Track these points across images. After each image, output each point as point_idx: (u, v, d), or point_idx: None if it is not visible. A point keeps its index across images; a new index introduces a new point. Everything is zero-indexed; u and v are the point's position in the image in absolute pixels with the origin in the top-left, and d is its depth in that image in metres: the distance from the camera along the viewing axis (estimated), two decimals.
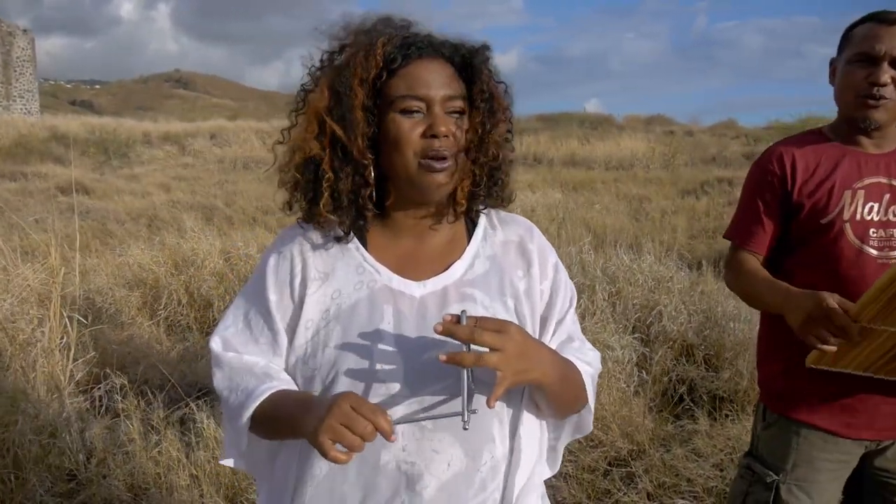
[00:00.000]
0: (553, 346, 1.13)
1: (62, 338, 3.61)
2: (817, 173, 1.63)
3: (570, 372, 1.10)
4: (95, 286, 4.94)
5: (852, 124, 1.63)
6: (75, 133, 19.16)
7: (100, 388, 3.47)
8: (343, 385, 1.03)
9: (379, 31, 1.08)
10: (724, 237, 1.80)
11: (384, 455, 1.03)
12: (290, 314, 1.10)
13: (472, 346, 0.95)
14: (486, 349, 0.94)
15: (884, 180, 1.61)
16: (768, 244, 1.68)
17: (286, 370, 1.11)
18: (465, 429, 0.93)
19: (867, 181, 1.61)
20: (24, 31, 30.12)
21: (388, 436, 0.91)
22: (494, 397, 0.93)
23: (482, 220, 1.18)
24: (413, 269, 1.11)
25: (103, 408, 3.38)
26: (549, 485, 1.33)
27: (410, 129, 1.04)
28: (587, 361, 1.16)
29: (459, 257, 1.14)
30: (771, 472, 1.68)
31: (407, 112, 1.05)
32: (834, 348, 1.45)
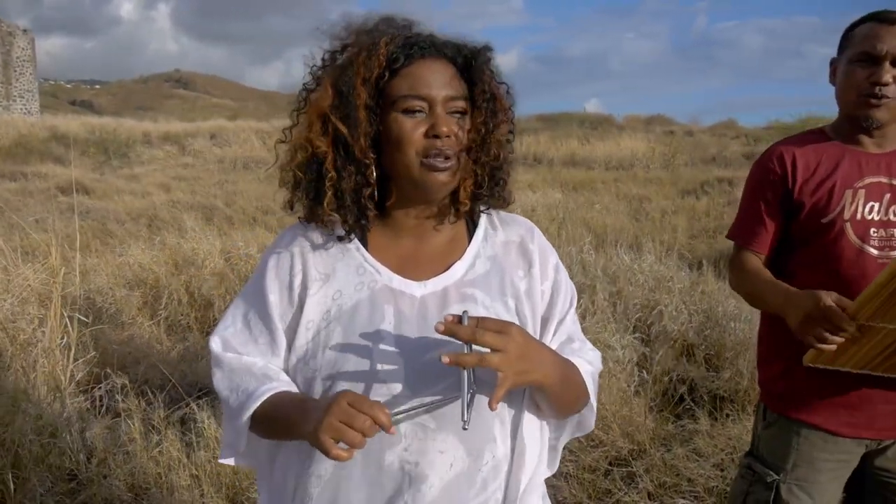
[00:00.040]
0: (554, 346, 1.13)
1: (63, 338, 3.62)
2: (818, 173, 1.63)
3: (570, 373, 1.10)
4: (96, 286, 4.93)
5: (854, 123, 1.63)
6: (75, 133, 19.16)
7: (100, 387, 3.48)
8: (344, 386, 1.03)
9: (381, 30, 1.08)
10: (726, 237, 1.81)
11: (388, 455, 1.03)
12: (290, 315, 1.10)
13: (474, 347, 0.95)
14: (488, 350, 0.94)
15: (884, 180, 1.61)
16: (770, 243, 1.68)
17: (287, 371, 1.11)
18: (464, 429, 0.93)
19: (868, 180, 1.61)
20: (24, 31, 30.11)
21: (386, 428, 0.91)
22: (496, 399, 0.93)
23: (483, 221, 1.18)
24: (414, 269, 1.11)
25: (104, 408, 3.39)
26: (550, 484, 1.33)
27: (413, 129, 1.04)
28: (588, 361, 1.16)
29: (460, 257, 1.14)
30: (771, 472, 1.68)
31: (409, 112, 1.05)
32: (833, 348, 1.45)
